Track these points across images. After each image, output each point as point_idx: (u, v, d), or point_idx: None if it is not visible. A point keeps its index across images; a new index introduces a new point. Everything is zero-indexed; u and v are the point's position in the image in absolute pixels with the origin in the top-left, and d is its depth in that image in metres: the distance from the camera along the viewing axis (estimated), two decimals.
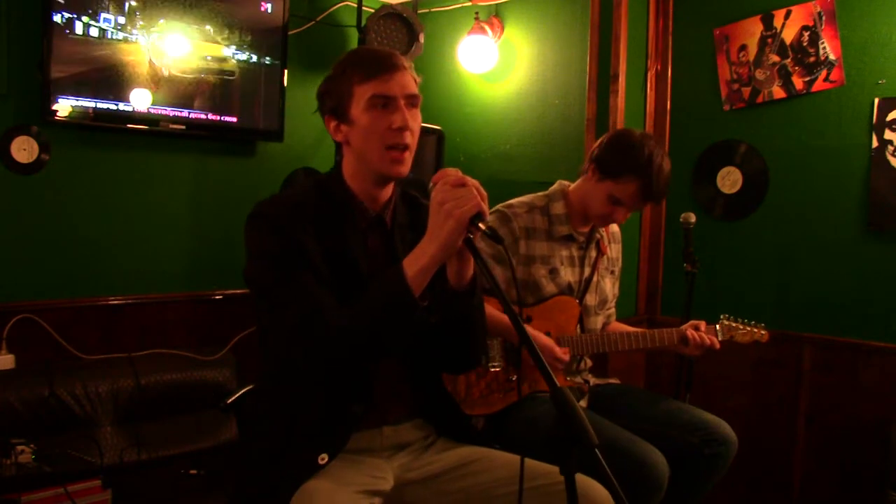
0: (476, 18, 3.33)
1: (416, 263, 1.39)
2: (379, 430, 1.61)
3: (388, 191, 1.62)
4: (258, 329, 1.67)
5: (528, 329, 2.14)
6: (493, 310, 2.13)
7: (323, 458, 1.49)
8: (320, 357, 1.42)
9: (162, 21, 2.77)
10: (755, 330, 2.34)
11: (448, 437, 1.70)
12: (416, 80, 1.57)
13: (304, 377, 1.50)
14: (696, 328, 2.27)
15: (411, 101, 1.55)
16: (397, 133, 1.51)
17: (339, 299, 1.47)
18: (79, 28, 2.57)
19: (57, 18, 2.51)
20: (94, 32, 2.61)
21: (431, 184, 1.42)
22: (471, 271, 1.50)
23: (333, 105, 1.56)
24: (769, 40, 2.92)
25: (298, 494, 1.44)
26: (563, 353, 2.12)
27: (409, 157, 1.55)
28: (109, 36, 2.65)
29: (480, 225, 1.35)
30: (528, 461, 1.60)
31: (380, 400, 1.59)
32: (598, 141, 2.25)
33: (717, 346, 2.28)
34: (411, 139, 1.54)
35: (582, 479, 1.48)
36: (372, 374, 1.56)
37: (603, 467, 1.11)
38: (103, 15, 2.62)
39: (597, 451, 1.10)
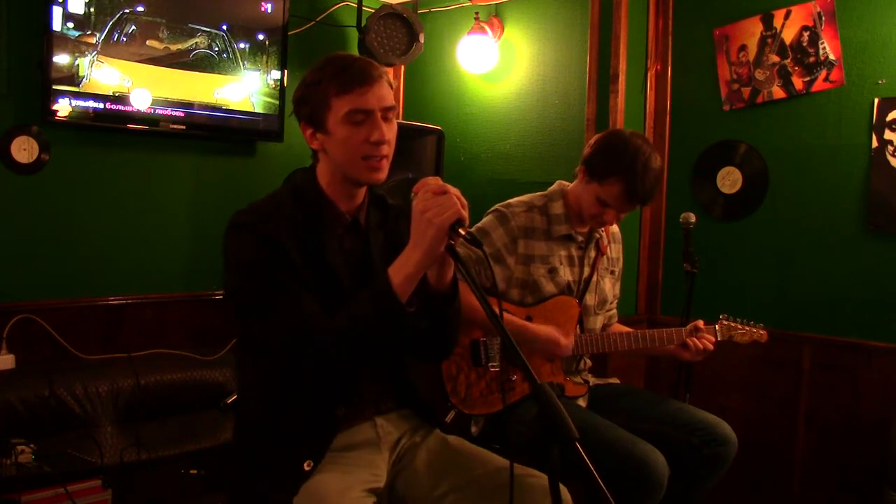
0: (476, 18, 3.33)
1: (402, 271, 1.42)
2: (372, 421, 1.64)
3: (362, 194, 1.66)
4: (238, 339, 1.67)
5: (530, 324, 2.15)
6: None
7: (308, 465, 1.51)
8: (310, 363, 1.45)
9: (162, 21, 2.78)
10: (754, 330, 2.34)
11: (431, 425, 1.74)
12: (391, 87, 1.58)
13: (291, 384, 1.53)
14: (696, 329, 2.27)
15: (388, 112, 1.56)
16: (375, 146, 1.53)
17: (321, 304, 1.49)
18: (79, 28, 2.57)
19: (56, 18, 2.51)
20: (94, 32, 2.61)
21: (413, 193, 1.46)
22: (450, 275, 1.52)
23: (309, 113, 1.57)
24: (769, 40, 2.92)
25: (304, 493, 1.46)
26: (566, 340, 2.12)
27: (386, 164, 1.57)
28: (109, 35, 2.65)
29: (461, 231, 1.38)
30: (496, 458, 1.64)
31: (367, 392, 1.63)
32: (590, 142, 2.25)
33: (712, 348, 2.28)
34: (388, 150, 1.56)
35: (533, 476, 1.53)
36: (355, 375, 1.59)
37: (585, 462, 1.08)
38: (104, 15, 2.63)
39: (577, 445, 1.08)
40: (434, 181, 1.44)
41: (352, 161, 1.54)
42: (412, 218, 1.42)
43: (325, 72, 1.55)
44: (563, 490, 1.53)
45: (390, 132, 1.56)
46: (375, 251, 1.64)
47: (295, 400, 1.54)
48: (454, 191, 1.42)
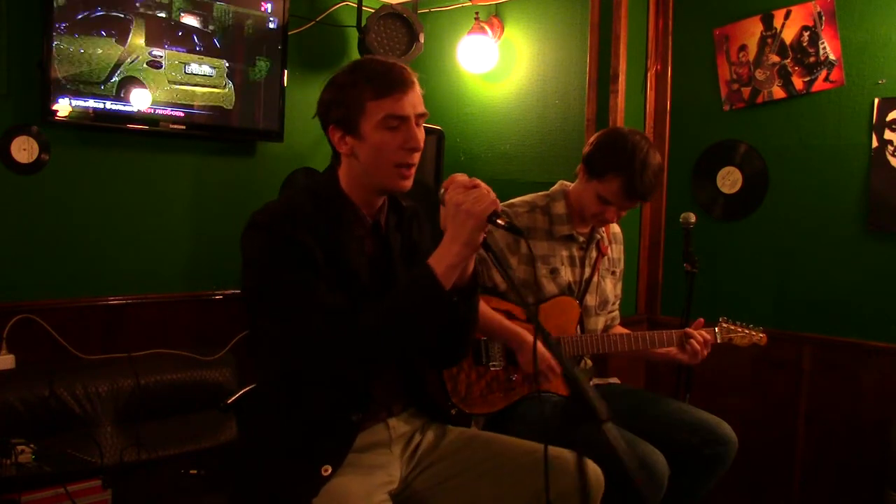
0: (476, 18, 3.33)
1: (443, 261, 1.43)
2: (385, 423, 1.65)
3: (384, 198, 1.65)
4: (255, 338, 1.65)
5: (523, 330, 2.13)
6: (486, 308, 2.14)
7: (326, 470, 1.49)
8: (348, 361, 1.43)
9: (162, 21, 2.77)
10: (754, 333, 2.33)
11: (438, 422, 1.74)
12: (422, 94, 1.59)
13: (305, 387, 1.51)
14: (694, 330, 2.26)
15: (419, 119, 1.57)
16: (409, 153, 1.54)
17: (346, 302, 1.48)
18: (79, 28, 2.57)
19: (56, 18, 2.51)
20: (94, 31, 2.61)
21: (443, 189, 1.50)
22: (471, 269, 1.53)
23: (341, 116, 1.54)
24: (769, 40, 2.92)
25: (325, 495, 1.46)
26: (554, 366, 2.09)
27: (414, 171, 1.58)
28: (110, 35, 2.65)
29: (499, 221, 1.43)
30: (517, 441, 1.69)
31: (379, 394, 1.62)
32: (589, 140, 2.26)
33: (709, 346, 2.27)
34: (419, 157, 1.58)
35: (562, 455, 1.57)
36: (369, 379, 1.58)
37: (610, 444, 1.19)
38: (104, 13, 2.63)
39: (606, 426, 1.19)
40: (462, 176, 1.48)
41: (383, 167, 1.54)
42: (447, 211, 1.45)
43: (359, 75, 1.53)
44: (595, 468, 1.58)
45: (422, 139, 1.57)
46: (396, 254, 1.65)
47: (309, 404, 1.53)
48: (484, 185, 1.46)
